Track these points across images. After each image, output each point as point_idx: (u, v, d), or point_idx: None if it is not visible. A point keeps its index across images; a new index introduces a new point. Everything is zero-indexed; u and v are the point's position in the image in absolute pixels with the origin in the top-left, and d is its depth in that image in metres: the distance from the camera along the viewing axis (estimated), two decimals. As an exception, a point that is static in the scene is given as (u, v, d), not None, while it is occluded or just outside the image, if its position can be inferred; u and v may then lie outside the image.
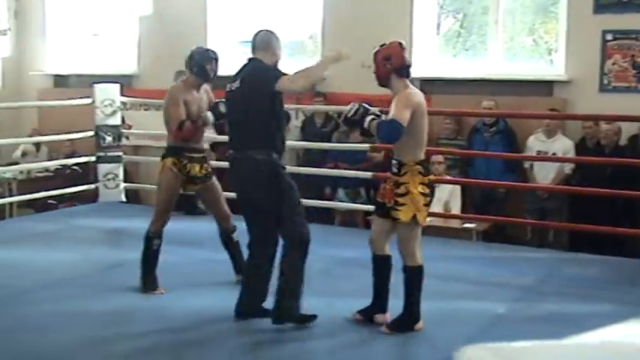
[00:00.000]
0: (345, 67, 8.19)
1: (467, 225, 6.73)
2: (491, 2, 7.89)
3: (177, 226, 5.23)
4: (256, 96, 4.17)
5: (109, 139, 7.53)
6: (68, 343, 4.00)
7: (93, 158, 7.74)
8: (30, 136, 9.63)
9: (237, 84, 4.27)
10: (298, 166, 7.92)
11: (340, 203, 7.56)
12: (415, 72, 7.81)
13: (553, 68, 7.64)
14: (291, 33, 9.11)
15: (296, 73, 4.20)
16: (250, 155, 4.19)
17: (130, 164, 8.46)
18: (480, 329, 4.30)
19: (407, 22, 7.94)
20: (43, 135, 9.46)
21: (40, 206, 8.64)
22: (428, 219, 6.67)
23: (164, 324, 4.28)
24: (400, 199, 4.08)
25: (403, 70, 4.10)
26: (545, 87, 7.48)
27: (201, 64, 4.91)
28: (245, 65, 4.35)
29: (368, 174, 7.05)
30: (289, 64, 8.70)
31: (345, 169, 7.35)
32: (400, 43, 4.15)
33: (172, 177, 4.86)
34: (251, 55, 4.36)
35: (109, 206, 7.57)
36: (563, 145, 7.03)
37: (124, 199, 7.72)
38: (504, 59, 7.89)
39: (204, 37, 9.06)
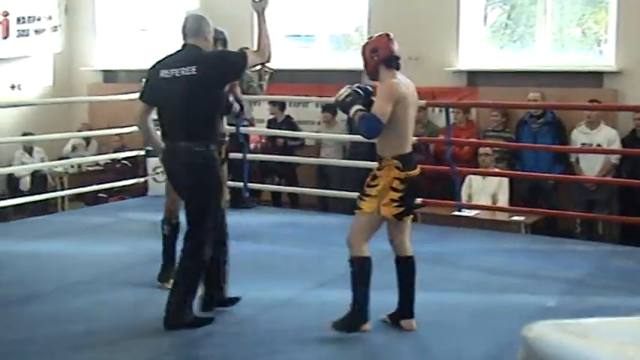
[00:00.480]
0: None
1: (515, 218, 6.66)
2: (540, -8, 7.78)
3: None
4: (211, 84, 3.98)
5: (158, 132, 7.62)
6: (116, 335, 4.08)
7: (142, 152, 7.85)
8: (80, 130, 9.82)
9: (186, 70, 3.97)
10: (345, 159, 7.94)
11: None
12: (462, 64, 7.88)
13: (602, 59, 7.50)
14: (336, 26, 9.12)
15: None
16: (188, 147, 3.97)
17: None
18: (529, 323, 4.25)
19: (454, 14, 7.88)
20: (92, 130, 9.65)
21: (90, 200, 8.82)
22: (474, 212, 6.73)
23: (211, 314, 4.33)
24: (368, 190, 3.99)
25: (391, 61, 3.97)
26: (594, 78, 7.34)
27: None
28: (179, 52, 4.10)
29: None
30: (335, 57, 8.86)
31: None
32: (388, 35, 4.04)
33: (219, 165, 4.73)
34: (185, 42, 4.12)
35: (158, 199, 7.67)
36: (607, 136, 6.92)
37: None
38: (552, 50, 7.77)
39: (250, 31, 9.11)
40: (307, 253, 5.75)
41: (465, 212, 6.74)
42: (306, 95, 8.24)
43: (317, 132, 8.43)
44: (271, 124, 8.51)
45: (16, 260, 5.61)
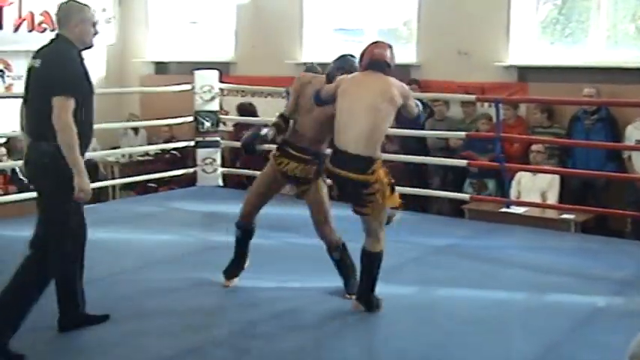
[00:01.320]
0: (440, 54, 8.22)
1: (565, 216, 6.57)
2: (594, -13, 7.64)
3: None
4: (50, 83, 3.64)
5: (207, 124, 7.73)
6: (164, 322, 4.16)
7: (192, 143, 7.96)
8: (128, 120, 9.98)
9: (38, 63, 3.73)
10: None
11: (434, 191, 7.50)
12: (512, 59, 7.79)
13: (657, 55, 7.34)
14: (384, 20, 9.08)
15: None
16: (38, 145, 3.70)
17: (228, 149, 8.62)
18: (579, 323, 4.21)
19: (504, 9, 7.79)
20: (139, 119, 9.83)
21: (140, 189, 8.97)
22: (523, 209, 6.66)
23: (253, 309, 4.38)
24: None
25: (370, 64, 4.17)
26: (649, 75, 7.19)
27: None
28: (51, 41, 3.82)
29: (463, 162, 6.98)
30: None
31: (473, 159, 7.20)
32: (375, 42, 4.25)
33: (268, 165, 4.57)
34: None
35: (207, 190, 7.78)
36: (662, 133, 6.77)
37: (221, 184, 7.91)
38: (606, 46, 7.63)
39: (299, 25, 9.16)
40: (355, 247, 5.75)
41: (514, 209, 6.68)
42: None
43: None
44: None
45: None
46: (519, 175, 7.11)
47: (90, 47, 3.84)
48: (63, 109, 3.57)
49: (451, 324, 4.18)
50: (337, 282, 4.58)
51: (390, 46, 4.25)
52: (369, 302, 4.29)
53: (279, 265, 5.11)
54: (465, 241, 6.00)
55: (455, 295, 4.67)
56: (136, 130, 10.04)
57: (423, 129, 7.20)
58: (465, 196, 6.93)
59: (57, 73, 3.65)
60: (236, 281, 4.73)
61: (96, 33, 3.86)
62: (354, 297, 4.37)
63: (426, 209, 7.69)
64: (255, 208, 4.60)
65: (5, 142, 8.37)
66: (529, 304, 4.56)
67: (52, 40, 3.79)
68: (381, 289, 4.52)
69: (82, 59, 3.78)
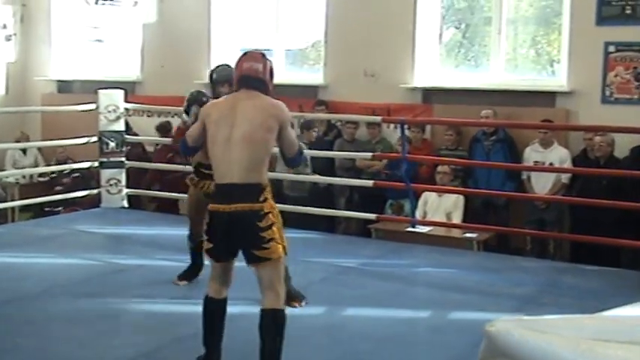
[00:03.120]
0: (347, 75, 8.32)
1: (467, 235, 6.75)
2: (494, 13, 7.93)
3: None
4: None
5: (112, 144, 7.55)
6: (68, 348, 4.02)
7: (96, 164, 7.76)
8: (18, 140, 9.59)
9: None
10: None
11: (340, 211, 7.58)
12: (417, 81, 7.98)
13: (555, 79, 7.67)
14: (293, 41, 9.15)
15: None
16: None
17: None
18: (481, 338, 4.30)
19: (409, 32, 7.98)
20: (31, 140, 9.57)
21: (41, 211, 8.67)
22: (427, 228, 6.80)
23: (158, 332, 4.30)
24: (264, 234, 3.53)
25: (240, 80, 3.62)
26: (547, 98, 7.51)
27: (213, 86, 4.74)
28: None
29: (369, 182, 7.08)
30: (291, 72, 8.89)
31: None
32: (245, 53, 3.72)
33: (190, 189, 4.95)
34: None
35: (111, 212, 7.59)
36: (559, 155, 7.07)
37: (126, 205, 7.73)
38: (506, 70, 7.93)
39: (207, 45, 9.11)
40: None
41: (420, 228, 6.80)
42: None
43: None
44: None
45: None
46: (425, 195, 7.26)
47: None
48: None
49: (360, 343, 4.20)
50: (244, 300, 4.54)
51: (265, 56, 3.70)
52: None
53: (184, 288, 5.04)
54: (372, 260, 6.06)
55: (363, 314, 4.71)
56: (24, 150, 9.73)
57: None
58: (372, 216, 7.01)
59: None
60: (185, 282, 5.02)
61: None
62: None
63: (332, 229, 7.73)
64: (201, 226, 4.54)
65: None
66: (435, 321, 4.64)
67: None
68: (288, 311, 4.50)
69: None
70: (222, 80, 4.62)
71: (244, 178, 3.45)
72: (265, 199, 3.48)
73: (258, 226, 3.42)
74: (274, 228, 3.47)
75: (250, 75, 3.59)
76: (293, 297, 4.55)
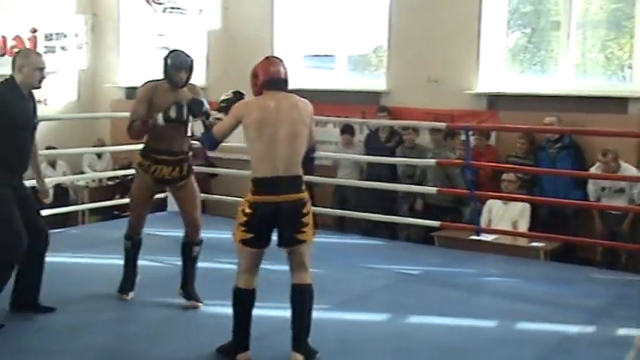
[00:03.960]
0: (410, 81, 8.26)
1: (534, 244, 6.60)
2: (563, 17, 7.75)
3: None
4: None
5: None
6: (139, 348, 4.09)
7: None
8: (95, 145, 9.93)
9: None
10: (362, 180, 7.94)
11: (402, 218, 7.52)
12: (482, 87, 7.87)
13: (627, 84, 7.45)
14: (355, 47, 9.15)
15: None
16: None
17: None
18: (550, 351, 4.21)
19: (474, 36, 7.87)
20: (106, 145, 9.81)
21: (110, 214, 8.87)
22: (492, 237, 6.68)
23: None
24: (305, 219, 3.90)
25: (271, 83, 3.91)
26: (619, 104, 7.27)
27: (170, 72, 4.78)
28: None
29: (433, 189, 7.01)
30: (353, 78, 8.89)
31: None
32: (268, 58, 4.04)
33: (139, 177, 4.88)
34: None
35: (177, 215, 7.67)
36: (629, 175, 6.73)
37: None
38: (575, 75, 7.73)
39: (270, 51, 9.17)
40: (323, 274, 5.72)
41: (484, 237, 6.69)
42: (326, 115, 8.25)
43: (334, 152, 8.43)
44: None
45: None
46: (490, 203, 7.13)
47: (37, 88, 4.47)
48: None
49: (422, 352, 4.15)
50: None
51: (282, 61, 4.04)
52: (309, 351, 3.91)
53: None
54: (436, 268, 6.00)
55: (426, 323, 4.66)
56: (99, 155, 10.01)
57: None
58: (435, 223, 6.94)
59: None
60: (132, 295, 4.93)
61: (43, 77, 4.44)
62: (297, 354, 3.88)
63: (394, 236, 7.68)
64: (143, 220, 4.96)
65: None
66: (500, 332, 4.56)
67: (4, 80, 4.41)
68: (351, 317, 4.50)
69: (24, 98, 4.40)
70: (180, 67, 4.76)
71: (290, 171, 3.84)
72: (304, 189, 3.91)
73: (302, 212, 3.86)
74: (310, 214, 3.90)
75: (280, 77, 3.96)
76: None
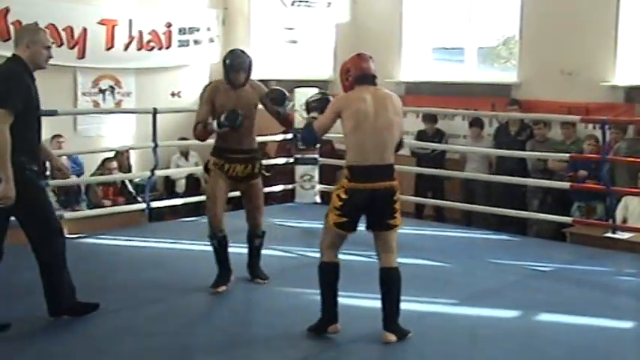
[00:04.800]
0: (542, 72, 8.04)
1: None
2: None
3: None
4: None
5: (306, 142, 7.80)
6: (269, 333, 4.23)
7: (291, 160, 8.06)
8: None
9: None
10: (492, 174, 7.81)
11: (533, 213, 7.35)
12: (619, 79, 7.55)
13: None
14: (484, 39, 8.99)
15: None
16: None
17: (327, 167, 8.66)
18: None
19: (611, 27, 7.56)
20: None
21: (239, 204, 9.12)
22: (628, 235, 6.39)
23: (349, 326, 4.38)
24: (396, 205, 4.10)
25: (363, 79, 4.12)
26: None
27: (229, 73, 4.90)
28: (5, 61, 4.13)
29: (566, 184, 6.80)
30: (481, 71, 8.74)
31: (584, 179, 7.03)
32: (359, 54, 4.21)
33: (213, 176, 4.99)
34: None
35: (304, 207, 7.85)
36: None
37: (319, 201, 7.96)
38: None
39: (399, 44, 9.18)
40: (450, 268, 5.69)
41: (619, 234, 6.43)
42: (454, 108, 8.18)
43: (463, 146, 8.35)
44: (421, 136, 8.50)
45: (171, 258, 5.93)
46: (626, 199, 6.84)
47: (42, 68, 4.11)
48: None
49: (551, 350, 4.06)
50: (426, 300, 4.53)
51: (372, 57, 4.21)
52: (401, 330, 4.09)
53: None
54: (567, 265, 5.83)
55: (556, 321, 4.54)
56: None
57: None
58: (568, 219, 6.73)
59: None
60: (224, 288, 4.95)
61: (50, 56, 4.12)
62: (388, 334, 4.05)
63: (524, 232, 7.52)
64: (222, 218, 4.99)
65: (115, 156, 8.73)
66: (636, 334, 4.38)
67: (7, 59, 4.07)
68: (478, 312, 4.45)
69: (32, 79, 4.05)
70: (238, 68, 4.87)
71: (384, 160, 4.04)
72: (395, 177, 4.07)
73: (393, 199, 4.05)
74: (399, 201, 4.09)
75: (371, 73, 4.15)
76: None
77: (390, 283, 4.06)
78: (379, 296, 4.09)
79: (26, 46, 4.03)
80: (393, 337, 4.02)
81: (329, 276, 4.12)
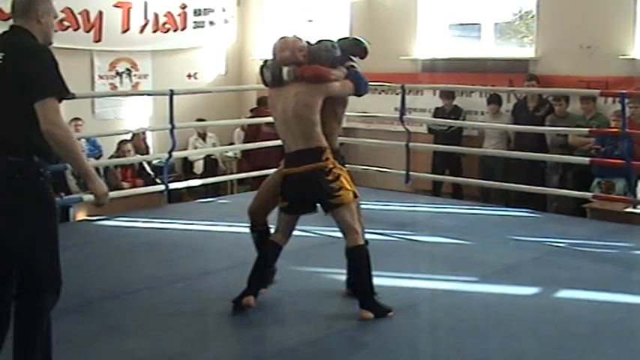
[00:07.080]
0: (561, 47, 7.94)
1: None
2: None
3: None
4: (21, 80, 2.99)
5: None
6: (282, 312, 4.23)
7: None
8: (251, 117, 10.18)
9: None
10: (510, 150, 7.76)
11: (551, 189, 7.30)
12: (639, 52, 7.44)
13: None
14: (500, 14, 8.89)
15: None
16: (3, 156, 3.00)
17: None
18: None
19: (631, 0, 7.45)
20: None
21: (257, 184, 9.15)
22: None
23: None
24: (333, 185, 4.08)
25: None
26: None
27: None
28: (5, 32, 3.17)
29: (585, 159, 6.74)
30: (499, 47, 8.65)
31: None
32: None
33: (278, 173, 4.42)
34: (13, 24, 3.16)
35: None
36: None
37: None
38: None
39: (414, 21, 9.09)
40: (470, 246, 5.68)
41: (640, 210, 6.38)
42: (472, 85, 8.11)
43: (481, 122, 8.29)
44: (438, 112, 8.45)
45: (189, 239, 5.96)
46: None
47: (50, 44, 3.22)
48: (55, 111, 2.99)
49: (573, 326, 4.05)
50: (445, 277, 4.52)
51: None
52: (375, 307, 4.07)
53: (396, 261, 5.09)
54: (588, 241, 5.79)
55: (577, 297, 4.54)
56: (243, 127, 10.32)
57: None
58: (588, 195, 6.68)
59: (40, 72, 3.01)
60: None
61: (55, 30, 3.33)
62: (363, 311, 4.05)
63: (543, 208, 7.47)
64: (264, 210, 4.56)
65: (131, 139, 8.76)
66: None
67: (12, 33, 3.15)
68: (498, 289, 4.43)
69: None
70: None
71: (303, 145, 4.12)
72: (327, 159, 4.08)
73: (324, 179, 4.05)
74: (342, 179, 4.09)
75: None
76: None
77: (350, 263, 4.17)
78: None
79: (39, 17, 3.11)
80: (369, 314, 4.03)
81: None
